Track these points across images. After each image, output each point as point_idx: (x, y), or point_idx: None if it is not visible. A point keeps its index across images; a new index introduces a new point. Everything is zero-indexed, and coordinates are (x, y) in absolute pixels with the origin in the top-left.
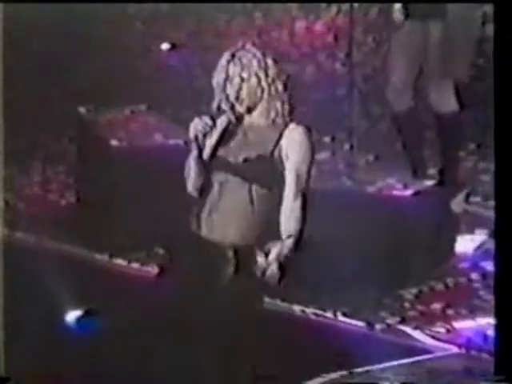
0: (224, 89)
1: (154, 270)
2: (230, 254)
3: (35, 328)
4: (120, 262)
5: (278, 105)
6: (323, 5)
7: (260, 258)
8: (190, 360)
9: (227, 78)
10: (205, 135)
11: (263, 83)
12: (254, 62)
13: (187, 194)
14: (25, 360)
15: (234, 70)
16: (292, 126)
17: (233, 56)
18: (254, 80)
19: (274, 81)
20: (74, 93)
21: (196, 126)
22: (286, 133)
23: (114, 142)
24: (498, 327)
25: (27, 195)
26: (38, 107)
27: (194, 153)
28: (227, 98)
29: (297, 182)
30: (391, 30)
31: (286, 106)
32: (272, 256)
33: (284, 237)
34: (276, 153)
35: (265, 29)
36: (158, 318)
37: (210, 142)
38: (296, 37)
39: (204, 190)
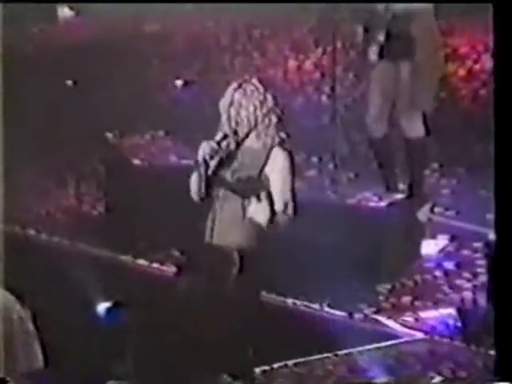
0: (227, 112)
1: (170, 269)
2: (235, 256)
3: (72, 319)
4: (142, 262)
5: (271, 133)
6: (312, 46)
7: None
8: (200, 345)
9: (231, 104)
10: (212, 157)
11: (258, 112)
12: (255, 93)
13: (197, 206)
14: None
15: (237, 96)
16: (276, 149)
17: (239, 86)
18: (251, 108)
19: (269, 112)
20: (101, 120)
21: (204, 149)
22: (272, 155)
23: (136, 162)
24: (498, 327)
25: (64, 206)
26: (72, 132)
27: (201, 171)
28: (229, 121)
29: (281, 196)
30: (368, 68)
31: (277, 137)
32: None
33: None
34: (263, 174)
35: (262, 67)
36: (174, 310)
37: (214, 163)
38: (288, 73)
39: (205, 197)
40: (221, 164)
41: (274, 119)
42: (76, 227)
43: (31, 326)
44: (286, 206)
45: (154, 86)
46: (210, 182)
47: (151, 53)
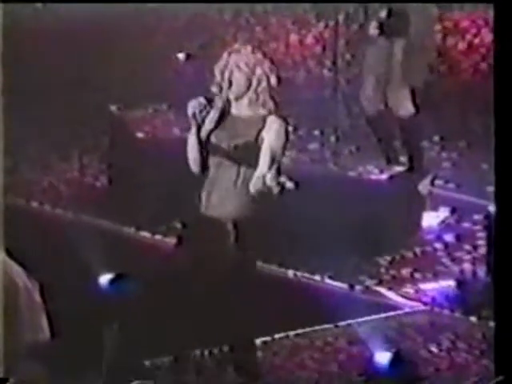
0: (221, 73)
1: (172, 240)
2: (230, 226)
3: (75, 288)
4: (145, 234)
5: (265, 98)
6: (313, 20)
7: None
8: (197, 313)
9: (226, 66)
10: (201, 112)
11: (252, 75)
12: (251, 57)
13: (199, 178)
14: (65, 317)
15: (233, 59)
16: (271, 117)
17: (236, 50)
18: (246, 70)
19: (264, 76)
20: (106, 94)
21: (193, 105)
22: (267, 123)
23: (139, 135)
24: (498, 327)
25: (67, 179)
26: (77, 106)
27: (193, 129)
28: (222, 83)
29: (271, 157)
30: (367, 43)
31: (271, 102)
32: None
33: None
34: (259, 139)
35: (264, 40)
36: (175, 280)
37: (207, 127)
38: (290, 47)
39: (204, 169)
40: (215, 131)
41: (269, 84)
42: (79, 199)
43: (38, 297)
44: (272, 167)
45: (157, 59)
46: (207, 151)
47: (154, 27)
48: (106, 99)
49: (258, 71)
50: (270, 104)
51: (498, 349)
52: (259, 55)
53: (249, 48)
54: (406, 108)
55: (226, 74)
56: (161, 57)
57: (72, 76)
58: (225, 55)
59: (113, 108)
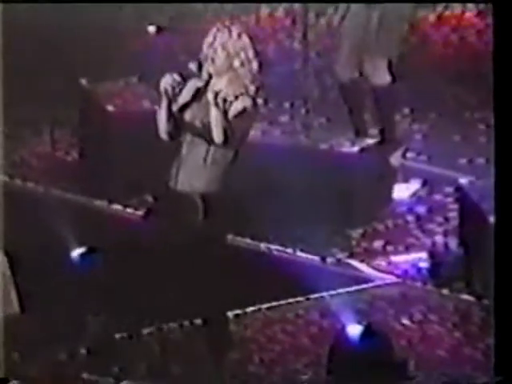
0: (206, 50)
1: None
2: (199, 201)
3: (45, 263)
4: (116, 207)
5: (246, 82)
6: None
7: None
8: (169, 286)
9: (212, 42)
10: (173, 89)
11: (237, 56)
12: (239, 39)
13: (170, 151)
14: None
15: (219, 36)
16: (243, 96)
17: (224, 27)
18: (230, 51)
19: (248, 60)
20: (75, 67)
21: (166, 80)
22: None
23: (110, 108)
24: (498, 327)
25: (38, 152)
26: (46, 80)
27: (164, 104)
28: (205, 60)
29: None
30: (339, 16)
31: (252, 87)
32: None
33: None
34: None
35: (235, 14)
36: (146, 253)
37: (180, 102)
38: (260, 20)
39: (173, 138)
40: (189, 108)
41: (252, 67)
42: (50, 173)
43: (8, 271)
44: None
45: (127, 32)
46: (178, 125)
47: None
48: (76, 72)
49: (242, 55)
50: (252, 88)
51: (498, 348)
52: (246, 40)
53: (236, 31)
54: (382, 77)
55: (210, 51)
56: (130, 29)
57: (42, 50)
58: (213, 31)
59: (83, 81)
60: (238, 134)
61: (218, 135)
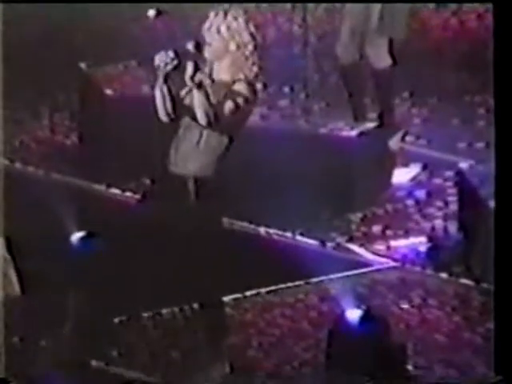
0: (205, 33)
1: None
2: (191, 184)
3: (46, 248)
4: (115, 191)
5: (244, 65)
6: None
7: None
8: (168, 270)
9: (210, 27)
10: (166, 65)
11: (232, 39)
12: (234, 22)
13: (169, 136)
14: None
15: (217, 21)
16: (240, 82)
17: (222, 13)
18: (225, 35)
19: (244, 43)
20: (75, 51)
21: (160, 57)
22: (235, 87)
23: (109, 92)
24: (498, 328)
25: (38, 136)
26: (46, 63)
27: (159, 80)
28: (203, 45)
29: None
30: None
31: (250, 71)
32: None
33: None
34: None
35: None
36: (145, 237)
37: (179, 84)
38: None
39: (173, 119)
40: (190, 92)
41: (249, 50)
42: (50, 157)
43: (6, 254)
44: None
45: (126, 15)
46: (178, 108)
47: None
48: (76, 56)
49: (237, 38)
50: (249, 73)
51: (498, 349)
52: (241, 23)
53: (232, 14)
54: (384, 59)
55: (208, 35)
56: (130, 13)
57: (42, 33)
58: (211, 15)
59: (82, 65)
60: (229, 121)
61: (201, 117)
